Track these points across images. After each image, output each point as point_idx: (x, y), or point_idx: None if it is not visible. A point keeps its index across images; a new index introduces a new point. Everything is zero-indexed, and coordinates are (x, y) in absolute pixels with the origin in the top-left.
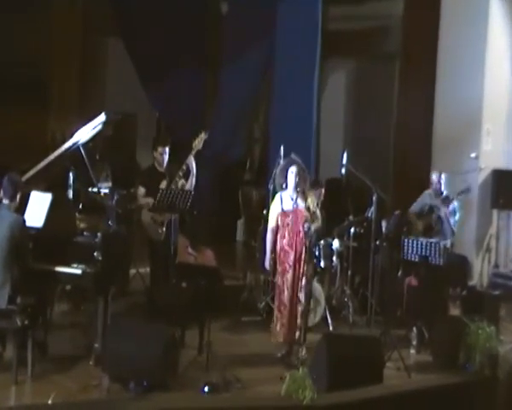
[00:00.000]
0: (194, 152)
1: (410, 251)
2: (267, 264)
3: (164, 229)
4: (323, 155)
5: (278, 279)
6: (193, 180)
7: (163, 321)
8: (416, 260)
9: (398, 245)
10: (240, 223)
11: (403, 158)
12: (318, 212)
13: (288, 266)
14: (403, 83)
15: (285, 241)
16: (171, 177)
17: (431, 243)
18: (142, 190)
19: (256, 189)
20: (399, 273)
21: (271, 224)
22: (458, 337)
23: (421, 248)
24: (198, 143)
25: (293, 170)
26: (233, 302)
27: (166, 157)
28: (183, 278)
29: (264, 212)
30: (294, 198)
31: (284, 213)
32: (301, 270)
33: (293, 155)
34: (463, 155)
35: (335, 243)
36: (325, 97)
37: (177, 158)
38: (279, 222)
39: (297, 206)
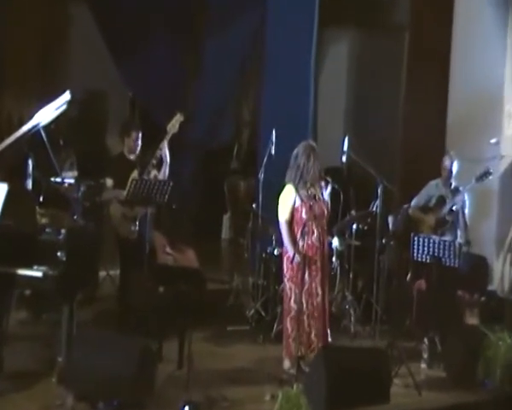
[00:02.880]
0: (168, 136)
1: (420, 251)
2: (295, 257)
3: (137, 225)
4: (321, 140)
5: (306, 282)
6: (166, 170)
7: (137, 332)
8: (428, 260)
9: (407, 244)
10: (226, 218)
11: (412, 144)
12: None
13: (319, 265)
14: (412, 58)
15: (314, 237)
16: (143, 166)
17: (444, 241)
18: (109, 182)
19: (244, 179)
20: (408, 276)
21: (285, 216)
22: (476, 350)
23: (434, 248)
24: (173, 126)
25: (316, 158)
26: (218, 309)
27: (139, 143)
28: (159, 281)
29: (254, 205)
30: (318, 188)
31: (307, 206)
32: (327, 269)
33: (312, 141)
34: (482, 141)
35: (335, 242)
36: (324, 75)
37: (151, 145)
38: (303, 215)
39: (320, 197)
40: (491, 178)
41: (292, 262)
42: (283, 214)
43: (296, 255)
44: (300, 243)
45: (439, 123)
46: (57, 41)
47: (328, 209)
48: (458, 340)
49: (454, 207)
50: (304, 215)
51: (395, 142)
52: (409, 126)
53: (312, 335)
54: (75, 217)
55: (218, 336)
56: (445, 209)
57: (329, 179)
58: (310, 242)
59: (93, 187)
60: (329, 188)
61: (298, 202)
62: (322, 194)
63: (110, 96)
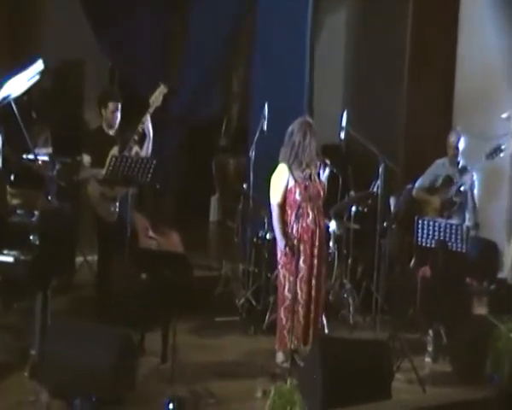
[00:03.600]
0: (151, 110)
1: (425, 235)
2: (282, 246)
3: (117, 207)
4: (318, 115)
5: (301, 269)
6: (149, 147)
7: (117, 322)
8: (433, 245)
9: (411, 227)
10: (214, 199)
11: (417, 120)
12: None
13: (315, 250)
14: (417, 25)
15: (310, 219)
16: (124, 142)
17: (451, 224)
18: (86, 159)
19: (234, 157)
20: (412, 262)
21: (277, 198)
22: (484, 342)
23: (439, 231)
24: (156, 99)
25: (313, 135)
26: (205, 298)
27: (119, 116)
28: (141, 267)
29: (245, 185)
30: (314, 168)
31: (302, 186)
32: (324, 254)
33: (308, 117)
34: (492, 117)
35: (332, 225)
36: (320, 45)
37: (132, 119)
38: (297, 197)
39: (316, 178)
40: (502, 155)
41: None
42: (275, 197)
43: (280, 242)
44: (295, 227)
45: (446, 97)
46: (28, 5)
47: (324, 190)
48: (465, 331)
49: (462, 188)
50: (297, 197)
51: (398, 117)
52: (413, 101)
53: (308, 326)
54: (49, 197)
55: (205, 327)
56: (452, 190)
57: (328, 162)
58: (304, 224)
59: (69, 165)
60: (327, 171)
61: (291, 183)
62: (318, 174)
63: (87, 66)
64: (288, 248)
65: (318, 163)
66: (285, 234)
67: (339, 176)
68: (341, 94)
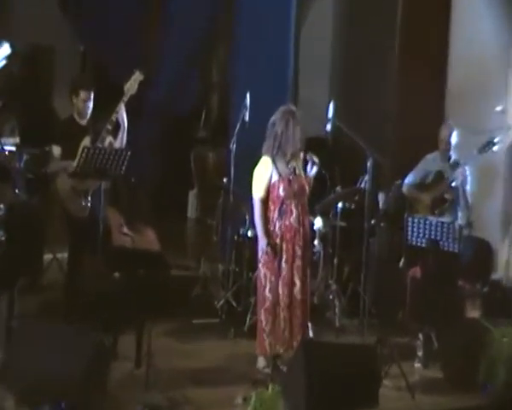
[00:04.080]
0: (126, 98)
1: (415, 233)
2: (264, 244)
3: (88, 201)
4: (303, 105)
5: (282, 269)
6: (123, 137)
7: (88, 324)
8: (423, 245)
9: (400, 225)
10: (192, 194)
11: (407, 112)
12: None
13: (298, 250)
14: (408, 13)
15: (293, 217)
16: (97, 132)
17: (443, 223)
18: (56, 150)
19: (213, 149)
20: (401, 263)
21: (260, 193)
22: (477, 347)
23: (430, 230)
24: (131, 86)
25: (297, 124)
26: (182, 299)
27: (91, 105)
28: (115, 266)
29: (225, 180)
30: (299, 161)
31: (286, 181)
32: (308, 254)
33: (291, 105)
34: (486, 109)
35: (317, 223)
36: (306, 29)
37: (105, 108)
38: (281, 193)
39: (300, 172)
40: (495, 149)
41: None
42: (258, 191)
43: (262, 241)
44: (277, 224)
45: (438, 88)
46: None
47: (309, 185)
48: (457, 336)
49: (453, 184)
50: (281, 192)
51: (387, 109)
52: (403, 92)
53: (290, 330)
54: (16, 191)
55: (182, 330)
56: (444, 186)
57: (316, 160)
58: (288, 222)
59: (37, 156)
60: (315, 169)
61: (275, 177)
62: (305, 169)
63: (58, 51)
64: (269, 248)
65: (302, 155)
66: (267, 232)
67: (326, 175)
68: (328, 84)
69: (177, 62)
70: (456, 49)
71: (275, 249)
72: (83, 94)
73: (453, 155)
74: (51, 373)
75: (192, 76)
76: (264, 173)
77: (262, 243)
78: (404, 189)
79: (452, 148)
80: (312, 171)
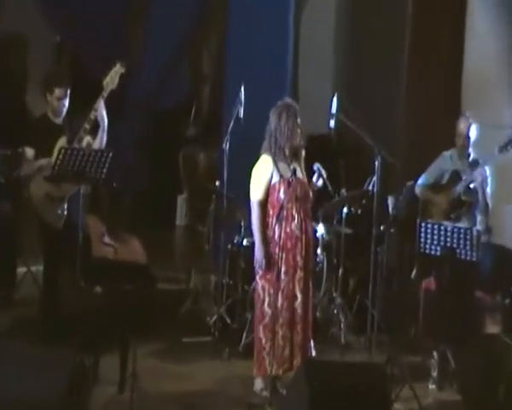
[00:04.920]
0: (105, 94)
1: (428, 240)
2: (260, 256)
3: (65, 209)
4: (304, 100)
5: (282, 281)
6: (103, 137)
7: (66, 344)
8: (438, 253)
9: (412, 232)
10: (181, 199)
11: (419, 107)
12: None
13: (299, 260)
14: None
15: (294, 224)
16: (74, 132)
17: (459, 228)
18: (29, 152)
19: (204, 150)
20: (413, 273)
21: (258, 195)
22: (497, 365)
23: (446, 237)
24: (111, 80)
25: (290, 117)
26: (170, 316)
27: (67, 102)
28: (96, 280)
29: (217, 183)
30: (301, 163)
31: (287, 184)
32: (311, 264)
33: (288, 99)
34: (506, 103)
35: (320, 230)
36: (307, 16)
37: (83, 104)
38: (281, 196)
39: (303, 174)
40: None
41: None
42: (256, 193)
43: (258, 250)
44: (277, 231)
45: (453, 80)
46: None
47: (313, 189)
48: (476, 354)
49: (472, 185)
50: (281, 195)
51: (398, 103)
52: (415, 84)
53: (291, 348)
54: None
55: (170, 349)
56: (461, 187)
57: (323, 173)
58: (288, 230)
59: (8, 158)
60: (321, 182)
61: (275, 178)
62: (311, 177)
63: (31, 42)
64: (265, 261)
65: (317, 175)
66: (265, 240)
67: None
68: (331, 76)
69: (163, 53)
70: (472, 38)
71: (270, 263)
72: (58, 91)
73: (472, 153)
74: (25, 398)
75: (180, 68)
76: (264, 173)
77: (259, 251)
78: (417, 190)
79: (471, 144)
80: (318, 183)
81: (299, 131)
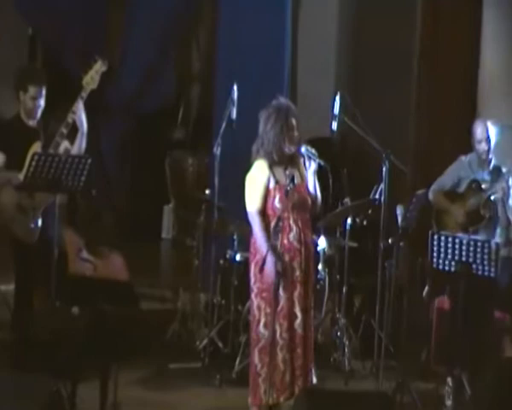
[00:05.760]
0: (85, 94)
1: (442, 255)
2: (273, 267)
3: (39, 221)
4: (303, 99)
5: (280, 298)
6: (82, 142)
7: (40, 370)
8: (453, 269)
9: (424, 245)
10: (167, 210)
11: (431, 108)
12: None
13: (299, 275)
14: None
15: (292, 235)
16: (49, 136)
17: (476, 241)
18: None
19: (193, 154)
20: (425, 291)
21: (255, 204)
22: None
23: (461, 250)
24: (92, 79)
25: (281, 116)
26: (156, 339)
27: (42, 103)
28: (72, 299)
29: (207, 192)
30: (300, 166)
31: (283, 191)
32: (312, 279)
33: (282, 98)
34: None
35: (322, 243)
36: (306, 7)
37: (60, 106)
38: (276, 204)
39: (302, 180)
40: None
41: (261, 270)
42: (253, 202)
43: (270, 261)
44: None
45: (469, 78)
46: None
47: (314, 196)
48: (494, 379)
49: (492, 197)
50: (277, 204)
51: (407, 103)
52: (426, 83)
53: (292, 374)
54: None
55: (156, 377)
56: (480, 200)
57: (312, 151)
58: (286, 242)
59: None
60: (314, 165)
61: (272, 184)
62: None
63: (2, 35)
64: (279, 265)
65: (303, 159)
66: (275, 248)
67: (328, 172)
68: (333, 74)
69: (148, 49)
70: (491, 28)
71: (287, 271)
72: (32, 89)
73: (493, 159)
74: None
75: (166, 65)
76: (260, 179)
77: (271, 265)
78: (431, 196)
79: (492, 150)
80: (311, 167)
81: (293, 134)
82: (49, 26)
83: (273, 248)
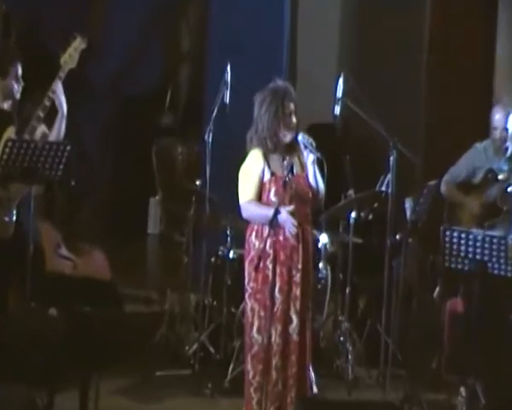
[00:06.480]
0: (63, 74)
1: (455, 252)
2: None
3: (13, 214)
4: (303, 81)
5: (276, 300)
6: (61, 127)
7: (15, 377)
8: (467, 268)
9: (435, 242)
10: (154, 202)
11: (443, 93)
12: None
13: (296, 275)
14: None
15: (292, 229)
16: (24, 120)
17: (492, 237)
18: None
19: (183, 142)
20: (436, 292)
21: (247, 195)
22: None
23: (475, 247)
24: (70, 58)
25: (273, 101)
26: (141, 344)
27: (16, 84)
28: (50, 299)
29: (198, 182)
30: (300, 157)
31: (280, 182)
32: (310, 280)
33: (279, 81)
34: None
35: (323, 239)
36: None
37: (36, 86)
38: (272, 198)
39: (302, 170)
40: None
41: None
42: (246, 194)
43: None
44: (268, 240)
45: (484, 62)
46: None
47: (315, 188)
48: (511, 389)
49: (510, 189)
50: (273, 198)
51: (417, 87)
52: (438, 65)
53: (286, 383)
54: None
55: (141, 385)
56: (497, 191)
57: (310, 141)
58: (282, 238)
59: None
60: (312, 156)
61: (267, 176)
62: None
63: None
64: (288, 215)
65: (304, 150)
66: (265, 206)
67: (323, 163)
68: (336, 53)
69: (133, 26)
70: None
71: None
72: (12, 69)
73: (510, 147)
74: None
75: (153, 44)
76: (254, 171)
77: (267, 218)
78: (443, 187)
79: (510, 137)
80: (309, 158)
81: (290, 120)
82: (24, 3)
83: (264, 207)
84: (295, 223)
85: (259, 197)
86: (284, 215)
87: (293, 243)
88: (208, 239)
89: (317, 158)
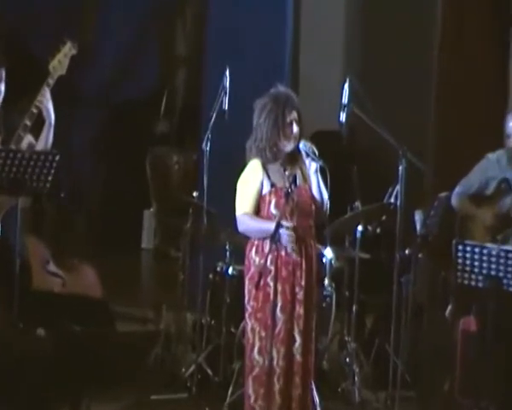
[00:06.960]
0: (52, 81)
1: (468, 268)
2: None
3: None
4: (306, 87)
5: (278, 320)
6: (49, 136)
7: (0, 401)
8: (480, 284)
9: (447, 257)
10: (148, 215)
11: (454, 99)
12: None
13: (299, 292)
14: None
15: (289, 246)
16: (10, 129)
17: (507, 251)
18: None
19: (179, 151)
20: (448, 310)
21: (244, 208)
22: None
23: (490, 262)
24: (59, 64)
25: (272, 109)
26: (135, 366)
27: (2, 89)
28: (38, 319)
29: (195, 194)
30: (302, 167)
31: (281, 194)
32: (314, 297)
33: (281, 87)
34: None
35: (328, 254)
36: None
37: (23, 94)
38: (272, 211)
39: (306, 181)
40: None
41: (257, 286)
42: (242, 206)
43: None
44: (269, 256)
45: (499, 63)
46: None
47: (319, 200)
48: None
49: None
50: (273, 210)
51: (427, 94)
52: (449, 70)
53: (288, 405)
54: None
55: (135, 409)
56: (511, 200)
57: (312, 149)
58: (284, 253)
59: None
60: (314, 165)
61: (266, 188)
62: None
63: None
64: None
65: (306, 158)
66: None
67: (326, 172)
68: (342, 58)
69: (125, 29)
70: None
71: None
72: None
73: None
74: None
75: (149, 49)
76: (252, 181)
77: (267, 233)
78: (454, 200)
79: None
80: (311, 167)
81: (290, 129)
82: (11, 6)
83: (263, 221)
84: (293, 238)
85: (258, 210)
86: (282, 230)
87: (295, 258)
88: (206, 254)
89: (320, 166)
